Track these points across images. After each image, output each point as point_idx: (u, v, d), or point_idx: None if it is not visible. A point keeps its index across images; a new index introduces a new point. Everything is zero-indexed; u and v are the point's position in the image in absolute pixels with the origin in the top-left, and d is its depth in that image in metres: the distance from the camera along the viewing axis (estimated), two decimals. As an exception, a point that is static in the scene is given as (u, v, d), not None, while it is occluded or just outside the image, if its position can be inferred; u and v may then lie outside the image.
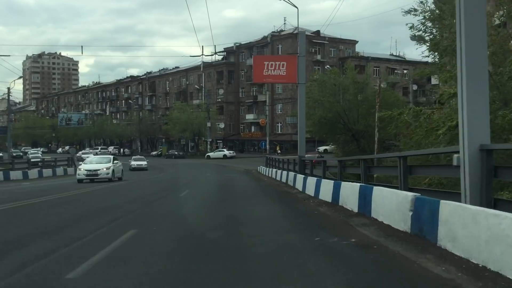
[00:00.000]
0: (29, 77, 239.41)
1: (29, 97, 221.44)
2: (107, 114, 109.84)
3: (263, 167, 37.32)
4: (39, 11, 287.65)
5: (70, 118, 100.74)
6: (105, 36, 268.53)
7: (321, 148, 64.72)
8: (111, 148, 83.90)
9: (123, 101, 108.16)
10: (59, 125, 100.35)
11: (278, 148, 64.17)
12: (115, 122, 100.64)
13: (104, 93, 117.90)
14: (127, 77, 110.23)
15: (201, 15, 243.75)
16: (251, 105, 78.30)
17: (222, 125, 79.95)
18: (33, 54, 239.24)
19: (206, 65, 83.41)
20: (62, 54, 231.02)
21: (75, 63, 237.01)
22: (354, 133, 32.87)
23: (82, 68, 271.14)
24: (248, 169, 42.13)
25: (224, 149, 65.66)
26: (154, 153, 78.33)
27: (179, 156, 66.75)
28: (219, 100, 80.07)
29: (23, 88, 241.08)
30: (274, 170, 29.87)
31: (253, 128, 77.34)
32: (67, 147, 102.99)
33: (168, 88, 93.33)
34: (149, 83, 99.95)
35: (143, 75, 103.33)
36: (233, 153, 64.00)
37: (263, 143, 42.74)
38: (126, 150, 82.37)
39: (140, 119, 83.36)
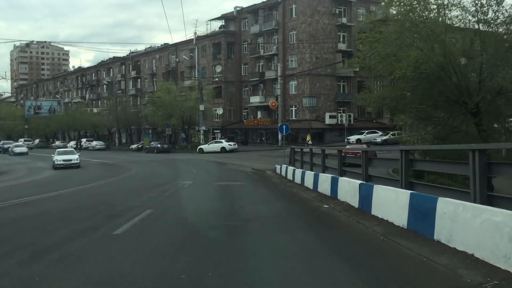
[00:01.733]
0: (16, 67, 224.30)
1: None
2: (86, 101, 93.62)
3: (287, 167, 21.38)
4: (39, 6, 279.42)
5: (39, 106, 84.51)
6: (105, 30, 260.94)
7: (352, 138, 48.31)
8: (72, 143, 67.77)
9: (104, 86, 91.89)
10: (26, 114, 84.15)
11: (309, 137, 47.95)
12: (95, 111, 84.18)
13: (84, 78, 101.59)
14: (109, 59, 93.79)
15: (201, 8, 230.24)
16: (257, 85, 61.87)
17: (220, 111, 63.50)
18: (20, 43, 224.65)
19: (200, 38, 67.06)
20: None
21: (66, 53, 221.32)
22: (473, 107, 16.24)
23: (83, 64, 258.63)
24: (260, 169, 26.34)
25: (223, 140, 49.27)
26: (134, 146, 62.00)
27: (163, 150, 50.52)
28: (217, 79, 63.61)
29: (11, 79, 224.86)
30: (329, 177, 13.71)
31: (259, 114, 60.93)
32: (37, 141, 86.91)
33: (155, 68, 76.89)
34: (133, 63, 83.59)
35: (126, 55, 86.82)
36: (234, 145, 47.69)
37: (284, 128, 25.74)
38: (96, 143, 65.92)
39: (117, 105, 66.77)
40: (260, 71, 61.21)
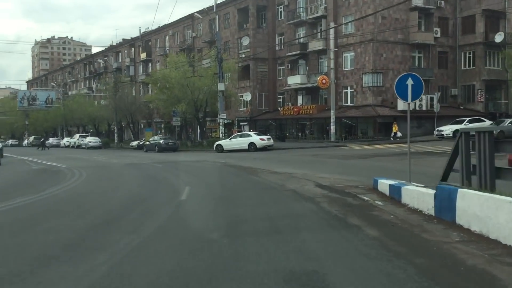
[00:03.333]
0: (37, 63, 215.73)
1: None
2: (94, 92, 79.76)
3: (454, 192, 5.18)
4: (72, 7, 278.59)
5: (34, 97, 70.99)
6: (134, 32, 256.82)
7: (446, 129, 32.36)
8: (66, 139, 53.71)
9: (112, 73, 77.86)
10: (19, 106, 70.87)
11: (395, 127, 32.83)
12: (102, 102, 70.04)
13: (91, 66, 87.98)
14: (119, 42, 79.89)
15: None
16: (296, 61, 46.34)
17: (247, 97, 48.31)
18: (41, 39, 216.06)
19: (223, 4, 52.07)
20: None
21: (88, 48, 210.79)
22: None
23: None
24: (339, 188, 10.15)
25: (251, 133, 33.53)
26: (134, 143, 47.17)
27: (167, 148, 35.74)
28: (243, 55, 48.30)
29: (32, 76, 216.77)
30: None
31: (300, 99, 45.38)
32: (31, 138, 73.45)
33: (167, 48, 62.12)
34: (143, 43, 69.21)
35: (136, 36, 72.58)
36: (268, 139, 32.22)
37: (411, 87, 8.80)
38: (90, 140, 51.41)
39: (117, 91, 52.08)
40: (302, 42, 45.61)
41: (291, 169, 17.16)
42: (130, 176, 17.44)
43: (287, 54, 46.28)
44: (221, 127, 35.86)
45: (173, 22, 61.87)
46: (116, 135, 51.76)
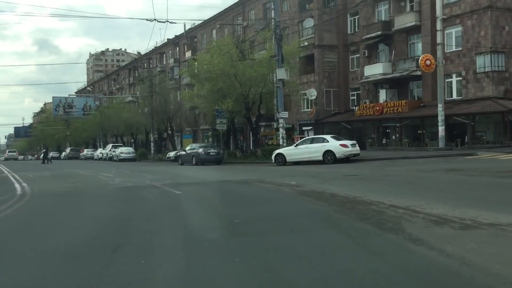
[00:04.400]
0: (92, 76, 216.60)
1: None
2: (140, 100, 72.38)
3: None
4: (131, 25, 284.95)
5: (70, 104, 64.19)
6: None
7: None
8: (100, 150, 45.51)
9: (157, 78, 70.03)
10: (54, 114, 64.32)
11: None
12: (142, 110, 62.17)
13: (136, 71, 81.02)
14: (163, 43, 72.21)
15: None
16: (376, 45, 35.84)
17: (312, 95, 38.34)
18: (95, 51, 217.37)
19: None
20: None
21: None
22: None
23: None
24: None
25: (328, 137, 22.54)
26: (171, 154, 37.98)
27: (208, 159, 26.62)
28: (305, 44, 38.18)
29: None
30: None
31: (383, 95, 34.73)
32: (68, 150, 66.68)
33: (214, 43, 53.05)
34: (188, 41, 60.84)
35: (181, 34, 64.45)
36: (353, 146, 21.69)
37: None
38: (122, 151, 42.66)
39: (152, 92, 43.37)
40: (382, 19, 35.10)
41: (454, 206, 7.00)
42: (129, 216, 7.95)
43: (364, 38, 35.83)
44: (281, 130, 25.75)
45: (220, 12, 52.99)
46: (152, 144, 42.90)
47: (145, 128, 49.18)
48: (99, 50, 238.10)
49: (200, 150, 27.26)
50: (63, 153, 69.13)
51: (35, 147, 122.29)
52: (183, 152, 29.25)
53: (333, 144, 21.27)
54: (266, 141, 36.61)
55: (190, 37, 60.62)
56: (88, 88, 70.89)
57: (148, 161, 40.32)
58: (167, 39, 70.80)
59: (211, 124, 50.76)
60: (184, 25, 63.43)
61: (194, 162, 27.08)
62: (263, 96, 29.79)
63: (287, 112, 27.01)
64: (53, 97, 63.18)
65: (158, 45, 73.93)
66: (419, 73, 31.25)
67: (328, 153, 21.06)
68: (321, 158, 21.21)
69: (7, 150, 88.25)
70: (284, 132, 26.11)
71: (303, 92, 38.57)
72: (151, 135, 42.93)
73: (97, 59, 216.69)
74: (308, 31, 38.59)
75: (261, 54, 32.06)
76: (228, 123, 31.05)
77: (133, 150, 43.46)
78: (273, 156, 23.27)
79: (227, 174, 18.01)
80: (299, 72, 37.07)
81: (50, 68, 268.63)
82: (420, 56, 29.87)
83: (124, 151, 42.31)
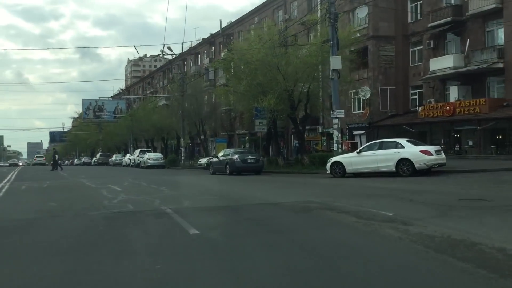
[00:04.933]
0: (130, 82, 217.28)
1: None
2: (170, 100, 68.72)
3: None
4: (170, 31, 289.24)
5: (101, 107, 60.95)
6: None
7: None
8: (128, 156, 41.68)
9: (191, 78, 66.13)
10: (84, 117, 61.24)
11: None
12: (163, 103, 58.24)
13: (170, 73, 77.62)
14: (198, 43, 68.33)
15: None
16: (443, 35, 30.21)
17: (366, 93, 33.07)
18: (134, 57, 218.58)
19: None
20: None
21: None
22: None
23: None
24: None
25: (402, 140, 17.15)
26: (203, 161, 33.32)
27: (244, 167, 21.68)
28: (358, 35, 32.78)
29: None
30: None
31: (454, 92, 28.99)
32: (98, 155, 63.40)
33: (252, 32, 48.48)
34: (224, 39, 56.53)
35: (216, 32, 60.33)
36: (439, 154, 16.36)
37: None
38: (150, 157, 38.17)
39: (184, 92, 39.04)
40: (453, 2, 29.47)
41: None
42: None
43: (429, 26, 30.27)
44: (336, 133, 20.57)
45: (259, 5, 48.40)
46: (182, 150, 38.31)
47: (176, 132, 44.86)
48: (137, 56, 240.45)
49: (236, 156, 22.35)
50: (93, 159, 65.99)
51: (70, 152, 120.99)
52: (215, 159, 24.36)
53: (410, 150, 15.99)
54: (313, 146, 31.50)
55: (227, 35, 56.28)
56: (119, 89, 66.52)
57: (177, 169, 35.85)
58: (202, 38, 67.05)
59: (248, 128, 46.17)
60: (220, 22, 59.51)
61: (228, 171, 22.28)
62: (311, 93, 24.70)
63: (343, 111, 21.89)
64: (83, 100, 59.98)
65: (193, 45, 70.25)
66: (501, 65, 25.54)
67: (403, 162, 15.83)
68: (394, 169, 16.01)
69: (35, 156, 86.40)
70: (340, 135, 20.95)
71: (353, 91, 33.34)
72: (182, 139, 38.47)
73: (135, 65, 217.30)
74: (361, 21, 33.34)
75: (309, 45, 26.99)
76: (268, 125, 25.96)
77: (162, 156, 39.07)
78: (328, 165, 18.15)
79: (271, 190, 13.11)
80: (349, 68, 31.80)
81: (91, 75, 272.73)
82: (501, 45, 24.16)
83: (152, 157, 37.98)
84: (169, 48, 37.97)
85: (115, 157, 52.79)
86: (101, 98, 61.26)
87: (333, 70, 20.56)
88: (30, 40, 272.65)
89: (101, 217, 8.26)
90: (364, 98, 33.54)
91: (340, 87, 28.63)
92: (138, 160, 40.65)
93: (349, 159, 17.61)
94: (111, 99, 67.66)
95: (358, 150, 17.99)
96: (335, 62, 20.31)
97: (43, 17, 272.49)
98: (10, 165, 79.85)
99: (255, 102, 24.24)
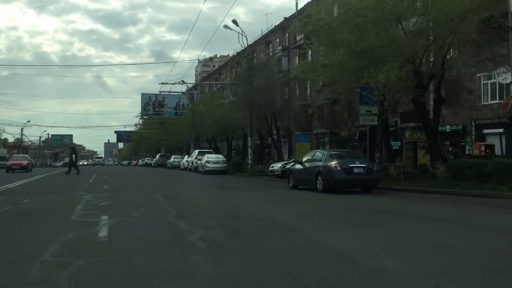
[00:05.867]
0: (200, 81, 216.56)
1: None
2: (234, 88, 61.51)
3: None
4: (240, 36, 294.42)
5: (161, 102, 54.58)
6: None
7: None
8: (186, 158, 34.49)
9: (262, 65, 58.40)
10: (142, 113, 55.19)
11: None
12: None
13: (238, 67, 70.34)
14: (269, 30, 60.42)
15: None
16: None
17: (506, 77, 23.06)
18: (204, 58, 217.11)
19: None
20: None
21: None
22: None
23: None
24: None
25: None
26: (277, 166, 24.90)
27: (352, 180, 13.22)
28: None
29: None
30: None
31: None
32: (157, 156, 57.11)
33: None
34: (300, 22, 47.98)
35: (291, 15, 52.22)
36: None
37: None
38: (209, 159, 30.24)
39: (253, 76, 31.21)
40: None
41: None
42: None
43: None
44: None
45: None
46: (249, 151, 29.90)
47: (242, 130, 36.88)
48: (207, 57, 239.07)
49: (334, 163, 13.61)
50: (153, 160, 59.97)
51: (138, 152, 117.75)
52: (298, 166, 15.51)
53: None
54: (448, 150, 22.11)
55: (302, 17, 47.72)
56: (181, 81, 59.02)
57: (243, 175, 27.75)
58: (274, 25, 59.17)
59: (328, 126, 37.82)
60: (296, 3, 51.03)
61: (320, 186, 13.69)
62: (449, 63, 15.51)
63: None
64: (142, 94, 53.97)
65: (264, 33, 62.44)
66: None
67: None
68: None
69: (95, 156, 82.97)
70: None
71: (483, 73, 23.69)
72: (249, 138, 30.34)
73: (205, 65, 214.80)
74: None
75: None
76: (385, 108, 16.15)
77: (223, 159, 31.06)
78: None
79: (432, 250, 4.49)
80: (475, 45, 22.05)
81: (165, 78, 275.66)
82: None
83: (212, 159, 30.10)
84: (234, 22, 30.23)
85: (173, 159, 45.94)
86: (161, 93, 54.84)
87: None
88: (109, 45, 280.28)
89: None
90: (504, 82, 23.70)
91: (460, 70, 19.24)
92: (196, 163, 33.09)
93: None
94: (173, 93, 61.15)
95: None
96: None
97: (121, 23, 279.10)
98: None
99: (362, 77, 15.31)
